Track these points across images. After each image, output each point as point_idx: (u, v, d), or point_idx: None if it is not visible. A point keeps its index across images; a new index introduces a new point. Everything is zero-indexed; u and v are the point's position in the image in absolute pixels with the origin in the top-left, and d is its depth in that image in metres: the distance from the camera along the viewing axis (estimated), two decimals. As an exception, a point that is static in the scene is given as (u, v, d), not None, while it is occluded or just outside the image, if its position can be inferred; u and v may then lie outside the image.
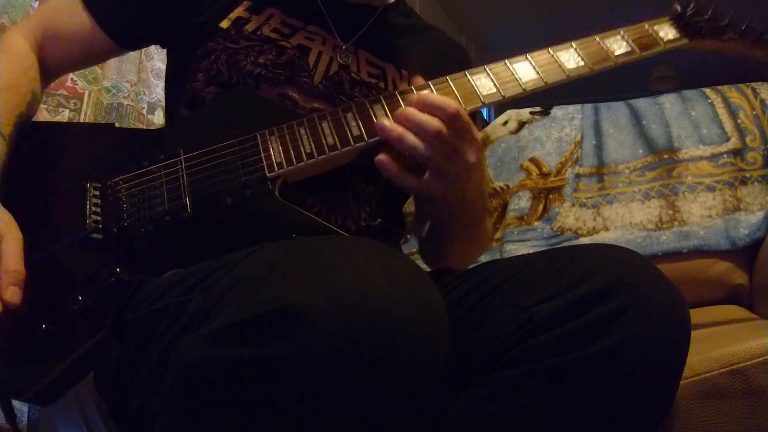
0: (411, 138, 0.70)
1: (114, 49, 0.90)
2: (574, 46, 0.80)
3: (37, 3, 1.39)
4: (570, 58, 0.79)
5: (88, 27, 0.87)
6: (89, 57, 0.92)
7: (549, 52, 0.80)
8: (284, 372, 0.44)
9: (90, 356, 0.66)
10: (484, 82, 0.77)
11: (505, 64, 0.79)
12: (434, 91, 0.76)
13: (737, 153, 1.31)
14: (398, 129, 0.71)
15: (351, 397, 0.45)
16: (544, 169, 1.43)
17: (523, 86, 0.77)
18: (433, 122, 0.69)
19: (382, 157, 0.72)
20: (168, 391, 0.50)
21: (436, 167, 0.71)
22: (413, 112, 0.71)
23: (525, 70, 0.78)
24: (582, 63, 0.78)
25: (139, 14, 0.87)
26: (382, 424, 0.46)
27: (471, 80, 0.77)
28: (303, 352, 0.44)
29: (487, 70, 0.78)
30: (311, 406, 0.44)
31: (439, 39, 1.00)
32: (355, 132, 0.74)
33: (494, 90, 0.77)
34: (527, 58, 0.79)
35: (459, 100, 0.76)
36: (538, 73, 0.78)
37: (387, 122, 0.72)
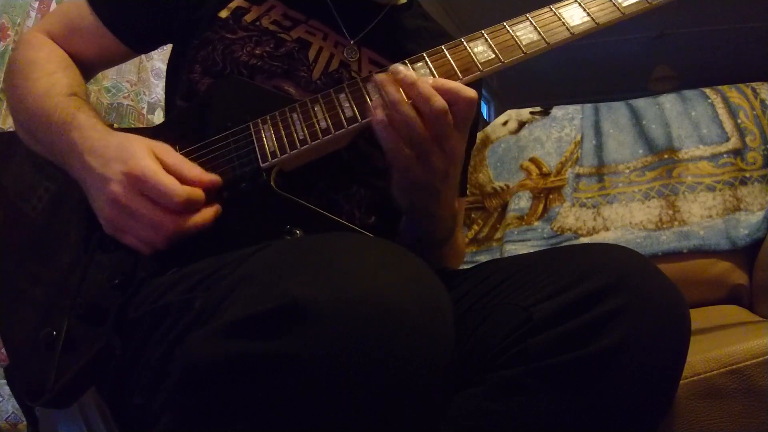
0: (409, 110, 0.65)
1: (127, 52, 0.90)
2: (578, 0, 0.74)
3: (37, 3, 1.39)
4: (574, 14, 0.73)
5: (100, 32, 0.87)
6: (104, 61, 0.92)
7: (552, 9, 0.74)
8: (289, 367, 0.44)
9: (100, 357, 0.67)
10: (481, 49, 0.72)
11: (504, 26, 0.74)
12: (429, 60, 0.72)
13: (737, 153, 1.31)
14: (401, 96, 0.65)
15: (356, 391, 0.45)
16: (544, 169, 1.43)
17: (524, 49, 0.71)
18: (440, 100, 0.65)
19: (381, 116, 0.66)
20: (173, 388, 0.50)
21: (423, 151, 0.67)
22: (426, 81, 0.65)
23: (525, 32, 0.72)
24: (587, 18, 0.72)
25: (143, 11, 0.87)
26: (386, 419, 0.46)
27: (468, 47, 0.72)
28: (308, 347, 0.44)
29: (485, 35, 0.73)
30: (316, 400, 0.44)
31: None
32: (348, 113, 0.71)
33: (493, 56, 0.72)
34: (528, 18, 0.74)
35: (456, 71, 0.71)
36: (540, 34, 0.72)
37: (393, 88, 0.66)
